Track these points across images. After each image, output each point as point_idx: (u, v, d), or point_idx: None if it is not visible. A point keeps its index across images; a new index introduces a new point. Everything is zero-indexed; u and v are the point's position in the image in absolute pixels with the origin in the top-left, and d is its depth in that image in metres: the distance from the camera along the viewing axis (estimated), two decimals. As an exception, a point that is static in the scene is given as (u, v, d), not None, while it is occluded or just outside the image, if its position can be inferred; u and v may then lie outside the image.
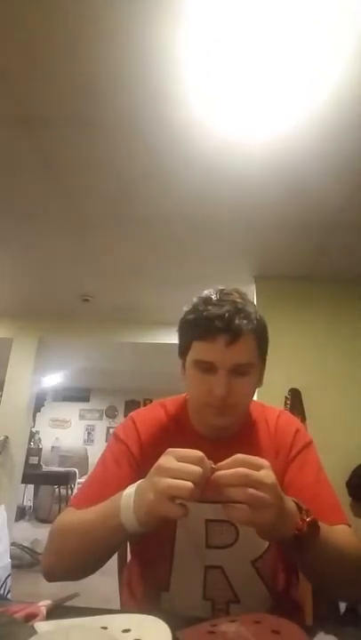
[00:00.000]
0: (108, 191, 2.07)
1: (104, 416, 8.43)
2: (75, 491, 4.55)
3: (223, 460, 0.60)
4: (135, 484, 0.64)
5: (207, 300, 0.79)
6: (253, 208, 2.15)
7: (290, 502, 0.62)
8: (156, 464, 0.60)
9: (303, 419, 2.48)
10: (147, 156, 1.80)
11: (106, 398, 8.44)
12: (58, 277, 3.21)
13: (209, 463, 0.59)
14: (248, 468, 0.56)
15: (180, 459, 0.59)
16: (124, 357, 5.13)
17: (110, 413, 8.43)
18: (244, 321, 0.76)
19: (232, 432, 0.84)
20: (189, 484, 0.56)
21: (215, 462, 0.60)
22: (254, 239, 2.50)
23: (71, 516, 0.76)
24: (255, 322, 0.78)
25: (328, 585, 0.74)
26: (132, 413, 0.93)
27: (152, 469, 0.61)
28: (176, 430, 0.87)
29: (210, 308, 0.77)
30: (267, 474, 0.57)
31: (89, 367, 6.08)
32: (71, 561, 0.73)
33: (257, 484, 0.55)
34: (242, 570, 0.78)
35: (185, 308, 0.85)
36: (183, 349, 0.83)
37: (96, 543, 0.69)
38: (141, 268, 2.96)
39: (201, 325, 0.77)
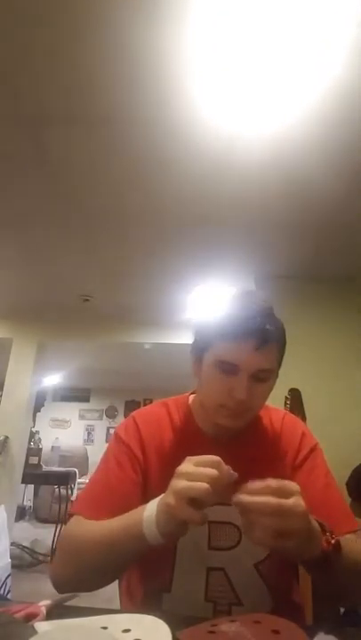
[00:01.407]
0: (109, 191, 2.07)
1: (104, 416, 8.42)
2: (75, 491, 4.55)
3: (226, 460, 0.61)
4: (156, 500, 0.64)
5: (236, 301, 0.79)
6: (254, 209, 2.15)
7: (314, 523, 0.62)
8: (176, 470, 0.61)
9: (303, 419, 2.48)
10: (146, 157, 1.80)
11: (106, 398, 8.44)
12: (58, 277, 3.21)
13: (227, 468, 0.60)
14: (280, 496, 0.56)
15: (198, 463, 0.60)
16: (124, 357, 5.14)
17: (110, 413, 8.43)
18: (273, 328, 0.76)
19: (237, 432, 0.84)
20: (205, 484, 0.56)
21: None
22: (254, 239, 2.50)
23: (84, 527, 0.74)
24: (280, 329, 0.79)
25: (343, 594, 0.74)
26: (133, 413, 0.92)
27: (173, 478, 0.61)
28: (179, 430, 0.87)
29: (240, 309, 0.76)
30: (297, 502, 0.56)
31: (89, 367, 6.08)
32: (87, 573, 0.71)
33: (288, 514, 0.55)
34: (244, 572, 0.78)
35: (207, 305, 0.83)
36: (203, 347, 0.81)
37: (117, 555, 0.68)
38: (141, 267, 2.96)
39: (230, 326, 0.75)
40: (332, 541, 0.62)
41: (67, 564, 0.74)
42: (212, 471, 0.58)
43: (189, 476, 0.58)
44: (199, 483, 0.57)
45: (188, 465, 0.60)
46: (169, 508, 0.59)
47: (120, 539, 0.66)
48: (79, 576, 0.72)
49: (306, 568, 0.71)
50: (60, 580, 0.73)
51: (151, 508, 0.63)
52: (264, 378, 0.77)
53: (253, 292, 0.83)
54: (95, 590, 0.72)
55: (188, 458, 0.62)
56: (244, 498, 0.56)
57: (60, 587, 0.73)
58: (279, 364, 0.81)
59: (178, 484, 0.58)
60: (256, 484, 0.57)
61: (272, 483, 0.57)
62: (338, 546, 0.63)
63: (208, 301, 3.31)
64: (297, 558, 0.64)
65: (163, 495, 0.63)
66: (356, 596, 0.74)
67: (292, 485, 0.58)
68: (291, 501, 0.55)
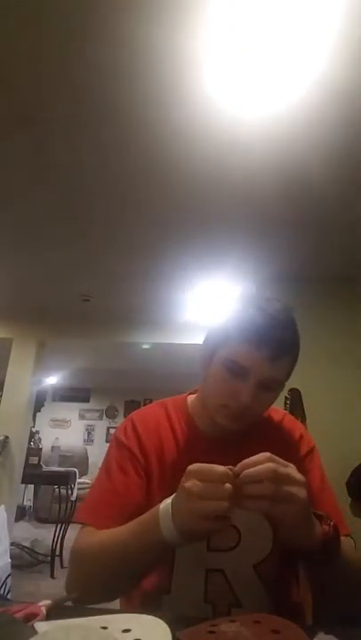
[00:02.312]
0: (109, 192, 2.07)
1: (104, 416, 8.43)
2: (75, 491, 4.55)
3: (225, 459, 0.61)
4: (168, 502, 0.63)
5: (260, 305, 0.76)
6: (254, 210, 2.15)
7: (312, 515, 0.63)
8: (183, 488, 0.60)
9: (303, 419, 2.48)
10: (147, 156, 1.79)
11: (106, 398, 8.44)
12: (58, 277, 3.21)
13: (229, 470, 0.59)
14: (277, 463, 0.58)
15: (204, 478, 0.58)
16: (124, 357, 5.14)
17: (110, 413, 8.43)
18: (293, 341, 0.75)
19: (235, 432, 0.83)
20: (225, 503, 0.56)
21: (217, 461, 0.60)
22: (254, 241, 2.50)
23: (96, 537, 0.73)
24: (297, 342, 0.78)
25: (337, 597, 0.73)
26: (131, 414, 0.92)
27: (181, 493, 0.60)
28: (178, 430, 0.86)
29: (263, 314, 0.74)
30: (295, 471, 0.58)
31: (89, 367, 6.08)
32: (104, 586, 0.70)
33: (286, 479, 0.56)
34: (244, 573, 0.77)
35: (227, 303, 0.81)
36: (216, 344, 0.79)
37: (132, 563, 0.67)
38: (141, 268, 2.96)
39: (251, 328, 0.73)
40: (331, 523, 0.63)
41: (81, 578, 0.73)
42: (227, 487, 0.57)
43: (203, 495, 0.57)
44: (217, 503, 0.56)
45: (194, 482, 0.58)
46: (194, 527, 0.58)
47: (135, 546, 0.66)
48: (96, 589, 0.70)
49: (305, 564, 0.71)
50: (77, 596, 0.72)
51: (166, 513, 0.62)
52: (272, 387, 0.76)
53: (277, 297, 0.79)
54: (112, 601, 0.72)
55: (190, 470, 0.60)
56: (247, 470, 0.58)
57: (77, 602, 0.72)
58: (288, 376, 0.80)
59: (195, 508, 0.57)
60: (251, 458, 0.59)
61: (266, 453, 0.59)
62: (336, 529, 0.63)
63: (208, 301, 3.30)
64: (299, 541, 0.63)
65: (176, 506, 0.62)
66: (349, 599, 0.73)
67: (287, 463, 0.60)
68: (289, 468, 0.58)
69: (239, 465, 0.59)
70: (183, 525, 0.60)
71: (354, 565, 0.69)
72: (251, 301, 0.78)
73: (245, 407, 0.74)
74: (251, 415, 0.78)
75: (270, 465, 0.57)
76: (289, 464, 0.60)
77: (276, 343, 0.73)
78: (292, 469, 0.59)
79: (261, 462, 0.58)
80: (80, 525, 0.79)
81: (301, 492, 0.58)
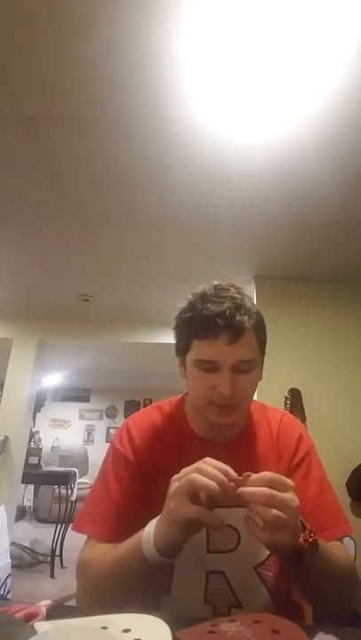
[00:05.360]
0: (109, 192, 2.07)
1: (104, 416, 8.43)
2: (75, 491, 4.55)
3: (221, 461, 0.61)
4: (153, 522, 0.65)
5: (205, 297, 0.78)
6: (253, 208, 2.15)
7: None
8: (168, 495, 0.62)
9: (303, 419, 2.48)
10: (147, 156, 1.79)
11: (106, 398, 8.44)
12: (58, 277, 3.21)
13: (234, 474, 0.60)
14: (276, 487, 0.57)
15: (192, 470, 0.60)
16: (124, 357, 5.13)
17: (110, 413, 8.43)
18: (245, 317, 0.75)
19: (232, 434, 0.83)
20: (213, 483, 0.57)
21: None
22: (254, 239, 2.50)
23: (97, 552, 0.74)
24: (255, 317, 0.77)
25: (318, 599, 0.73)
26: (127, 420, 0.92)
27: (166, 500, 0.62)
28: (173, 433, 0.86)
29: (209, 305, 0.76)
30: (292, 496, 0.57)
31: (89, 367, 6.08)
32: (108, 598, 0.71)
33: (282, 506, 0.56)
34: (244, 575, 0.77)
35: (180, 306, 0.83)
36: (183, 348, 0.82)
37: (127, 578, 0.69)
38: (142, 267, 2.96)
39: (201, 324, 0.75)
40: (310, 539, 0.61)
41: (89, 590, 0.74)
42: (225, 467, 0.59)
43: (200, 472, 0.59)
44: (207, 480, 0.57)
45: (177, 480, 0.61)
46: (170, 511, 0.59)
47: (126, 563, 0.67)
48: (102, 602, 0.71)
49: (283, 563, 0.71)
50: (86, 608, 0.73)
51: (149, 529, 0.64)
52: (247, 369, 0.76)
53: (223, 283, 0.81)
54: (121, 609, 0.73)
55: (173, 479, 0.62)
56: (242, 489, 0.58)
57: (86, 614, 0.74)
58: (262, 352, 0.81)
59: (180, 482, 0.59)
60: (253, 476, 0.59)
61: (267, 473, 0.58)
62: (315, 545, 0.62)
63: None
64: (273, 548, 0.64)
65: (158, 519, 0.63)
66: (334, 604, 0.72)
67: (288, 481, 0.59)
68: (287, 494, 0.57)
69: (243, 475, 0.60)
70: (164, 519, 0.61)
71: (337, 568, 0.68)
72: (197, 298, 0.79)
73: (229, 397, 0.74)
74: (239, 403, 0.78)
75: (266, 490, 0.57)
76: (289, 485, 0.59)
77: (229, 327, 0.73)
78: (289, 496, 0.57)
79: (260, 482, 0.58)
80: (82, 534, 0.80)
81: (295, 518, 0.58)
